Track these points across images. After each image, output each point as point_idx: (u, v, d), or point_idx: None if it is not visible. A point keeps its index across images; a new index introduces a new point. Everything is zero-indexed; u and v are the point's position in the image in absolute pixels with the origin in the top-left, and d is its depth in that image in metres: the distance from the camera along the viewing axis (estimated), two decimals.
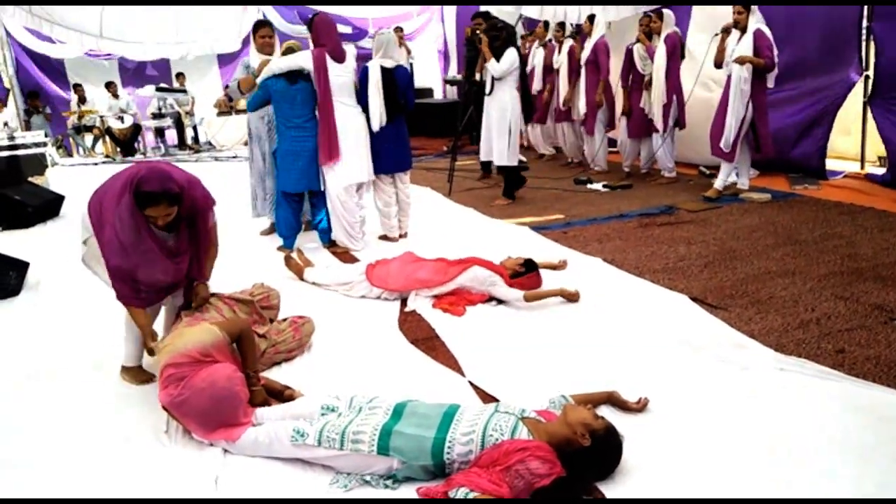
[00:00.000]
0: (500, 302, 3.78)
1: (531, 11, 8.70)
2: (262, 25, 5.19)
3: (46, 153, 9.96)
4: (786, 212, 5.36)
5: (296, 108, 4.64)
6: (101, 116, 10.91)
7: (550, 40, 8.14)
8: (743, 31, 5.55)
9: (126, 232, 2.68)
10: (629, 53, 6.77)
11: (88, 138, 11.44)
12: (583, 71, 7.24)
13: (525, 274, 3.88)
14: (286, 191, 4.81)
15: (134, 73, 13.29)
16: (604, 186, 6.66)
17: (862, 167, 6.65)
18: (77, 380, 3.08)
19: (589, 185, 6.78)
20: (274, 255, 4.73)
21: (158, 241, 2.80)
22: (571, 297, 3.80)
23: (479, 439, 2.15)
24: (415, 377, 2.95)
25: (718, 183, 5.93)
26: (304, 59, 4.57)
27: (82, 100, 11.44)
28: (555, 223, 5.47)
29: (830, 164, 6.68)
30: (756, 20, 5.51)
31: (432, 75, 14.15)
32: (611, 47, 7.13)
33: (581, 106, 7.38)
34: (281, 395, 2.78)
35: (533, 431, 2.19)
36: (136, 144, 11.34)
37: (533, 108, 7.08)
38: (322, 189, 4.81)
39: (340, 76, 4.66)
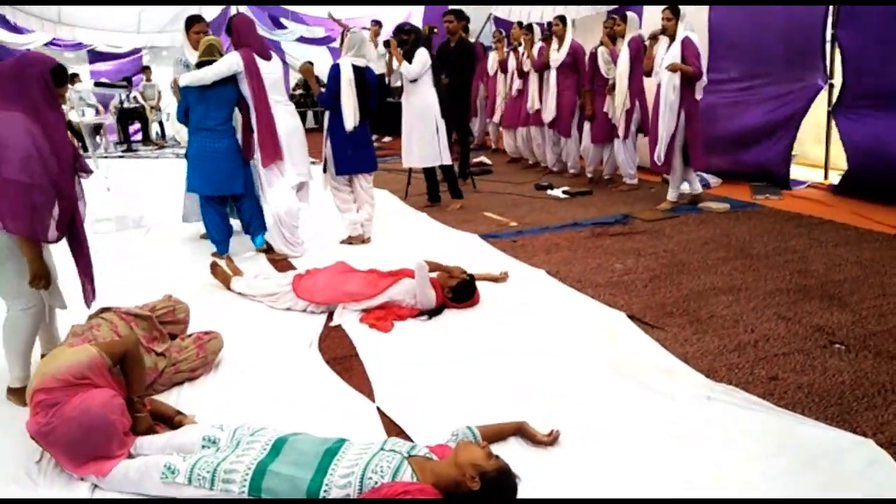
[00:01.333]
0: (430, 316, 3.60)
1: (501, 11, 8.53)
2: (195, 21, 4.97)
3: None
4: (743, 223, 5.22)
5: (210, 111, 4.44)
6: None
7: (519, 44, 7.92)
8: (672, 38, 5.41)
9: (41, 137, 2.54)
10: (593, 56, 6.61)
11: None
12: (553, 73, 7.05)
13: (462, 297, 3.69)
14: (196, 193, 4.64)
15: (103, 63, 13.01)
16: (563, 192, 6.50)
17: (826, 177, 6.53)
18: None
19: (549, 192, 6.62)
20: (206, 262, 4.51)
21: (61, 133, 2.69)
22: (498, 280, 4.09)
23: (358, 482, 1.97)
24: (321, 402, 2.76)
25: (671, 195, 5.79)
26: (234, 63, 4.38)
27: None
28: (506, 231, 5.30)
29: (799, 173, 6.57)
30: (685, 27, 5.36)
31: None
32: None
33: (552, 109, 7.19)
34: (171, 421, 2.59)
35: (418, 472, 2.01)
36: (96, 138, 11.04)
37: (468, 106, 6.94)
38: (243, 192, 4.60)
39: (270, 74, 4.52)
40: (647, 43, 5.72)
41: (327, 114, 4.84)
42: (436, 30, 6.33)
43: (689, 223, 5.28)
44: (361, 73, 4.73)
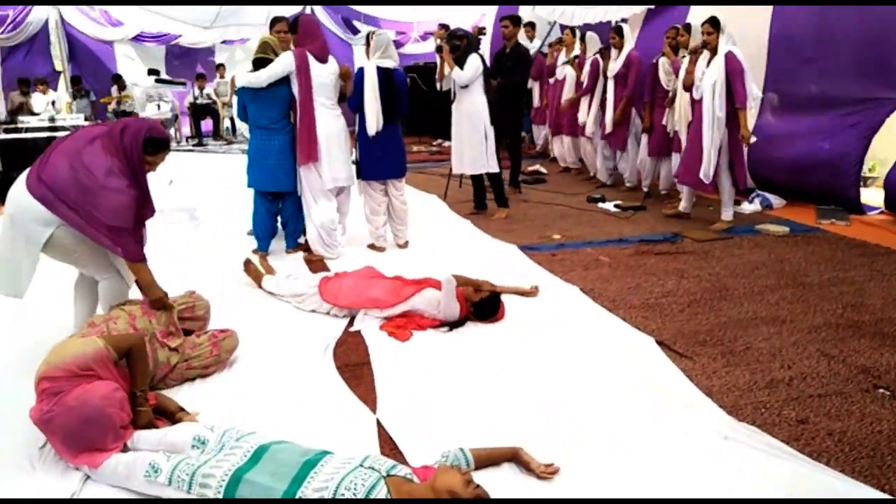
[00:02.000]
0: (451, 328, 3.53)
1: (543, 11, 8.41)
2: (278, 20, 5.02)
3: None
4: (800, 248, 4.91)
5: (264, 111, 4.53)
6: (132, 102, 11.12)
7: (577, 56, 7.71)
8: (713, 52, 5.20)
9: (132, 191, 2.89)
10: (654, 67, 6.38)
11: None
12: (610, 84, 6.85)
13: (484, 315, 3.62)
14: (254, 188, 4.71)
15: (180, 60, 13.52)
16: (615, 206, 6.30)
17: None
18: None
19: (600, 205, 6.42)
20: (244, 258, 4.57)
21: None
22: (527, 294, 3.99)
23: (331, 496, 1.93)
24: (322, 410, 2.74)
25: (725, 214, 5.55)
26: (288, 63, 4.44)
27: (121, 87, 11.65)
28: (547, 244, 5.16)
29: (873, 197, 6.15)
30: (727, 41, 5.15)
31: None
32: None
33: (590, 122, 7.00)
34: (173, 417, 2.62)
35: (394, 492, 1.95)
36: (170, 131, 11.50)
37: (521, 113, 6.85)
38: (292, 191, 4.66)
39: (321, 76, 4.53)
40: (687, 56, 5.53)
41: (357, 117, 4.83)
42: (485, 31, 6.24)
43: (743, 246, 5.01)
44: (389, 76, 4.68)
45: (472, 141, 5.68)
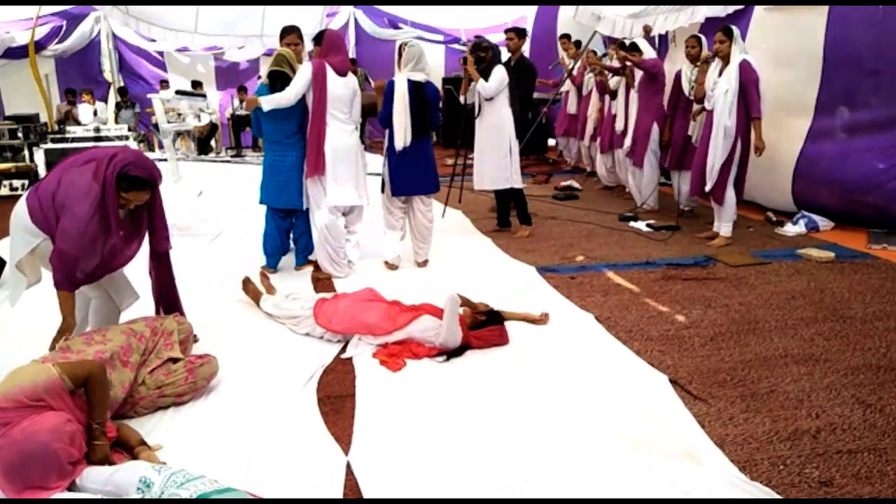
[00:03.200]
0: (449, 357, 3.31)
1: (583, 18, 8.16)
2: (289, 32, 4.82)
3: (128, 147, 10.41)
4: (846, 277, 4.50)
5: (277, 124, 4.43)
6: (180, 114, 11.25)
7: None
8: (725, 61, 5.04)
9: (94, 221, 2.80)
10: (677, 77, 6.03)
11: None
12: (634, 95, 6.54)
13: (486, 325, 3.40)
14: (265, 204, 4.59)
15: (226, 72, 13.71)
16: (647, 226, 5.96)
17: None
18: None
19: (632, 224, 6.10)
20: (253, 275, 4.42)
21: (119, 223, 2.94)
22: (537, 321, 3.74)
23: None
24: (292, 448, 2.54)
25: (724, 230, 5.37)
26: (307, 76, 4.30)
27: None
28: (568, 265, 4.89)
29: None
30: (739, 50, 4.99)
31: None
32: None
33: (629, 135, 6.67)
34: (132, 450, 2.46)
35: None
36: (211, 143, 11.62)
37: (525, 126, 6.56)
38: (303, 208, 4.52)
39: (338, 89, 4.39)
40: (697, 66, 5.37)
41: (387, 132, 4.67)
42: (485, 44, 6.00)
43: (780, 272, 4.63)
44: (421, 89, 4.53)
45: (494, 155, 5.48)
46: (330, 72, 4.36)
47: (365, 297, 3.69)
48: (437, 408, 2.84)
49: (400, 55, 4.65)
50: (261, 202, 4.67)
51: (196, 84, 11.91)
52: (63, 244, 2.80)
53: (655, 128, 6.27)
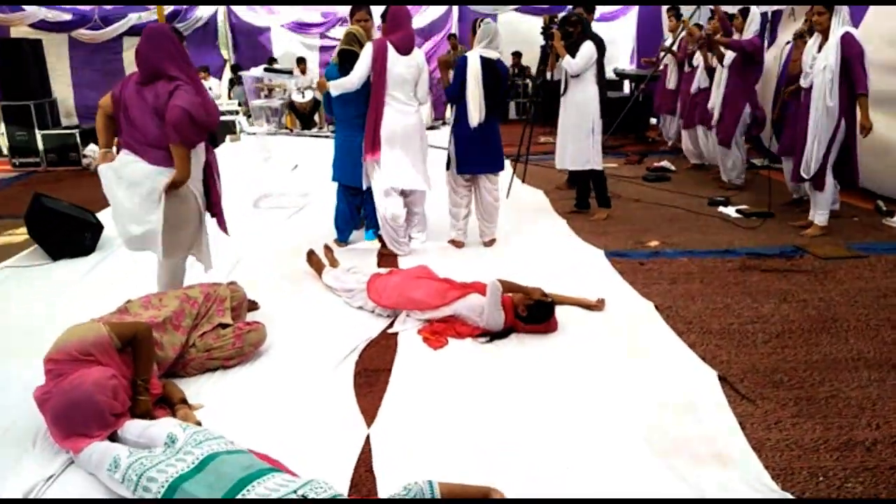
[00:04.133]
0: (493, 338, 3.28)
1: None
2: (358, 8, 4.85)
3: (237, 121, 10.97)
4: None
5: (345, 105, 4.48)
6: (286, 90, 11.69)
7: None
8: (824, 35, 4.56)
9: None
10: (788, 53, 5.58)
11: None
12: (725, 73, 6.11)
13: (531, 320, 3.33)
14: (336, 181, 4.70)
15: (333, 49, 14.06)
16: (737, 212, 5.61)
17: None
18: None
19: (721, 209, 5.76)
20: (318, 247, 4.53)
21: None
22: (592, 307, 3.63)
23: None
24: (318, 417, 2.63)
25: (819, 218, 4.94)
26: (370, 56, 4.31)
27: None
28: (639, 251, 4.70)
29: None
30: (840, 22, 4.47)
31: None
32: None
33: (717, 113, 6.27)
34: (174, 407, 2.63)
35: None
36: (314, 118, 11.99)
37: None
38: (364, 187, 4.59)
39: (399, 69, 4.36)
40: (791, 42, 4.99)
41: (452, 109, 4.64)
42: (556, 20, 5.76)
43: (877, 268, 4.23)
44: (492, 66, 4.46)
45: (577, 134, 5.33)
46: (391, 51, 4.30)
47: (417, 273, 3.72)
48: (469, 390, 2.83)
49: (475, 32, 4.59)
50: (332, 179, 4.78)
51: (301, 60, 12.27)
52: (180, 101, 3.08)
53: (748, 109, 5.86)
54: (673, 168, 7.49)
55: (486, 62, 4.44)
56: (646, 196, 6.32)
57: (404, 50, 4.37)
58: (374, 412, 2.66)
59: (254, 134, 10.93)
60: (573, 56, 5.14)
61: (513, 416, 2.63)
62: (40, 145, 9.44)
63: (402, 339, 3.32)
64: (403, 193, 4.60)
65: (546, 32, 5.75)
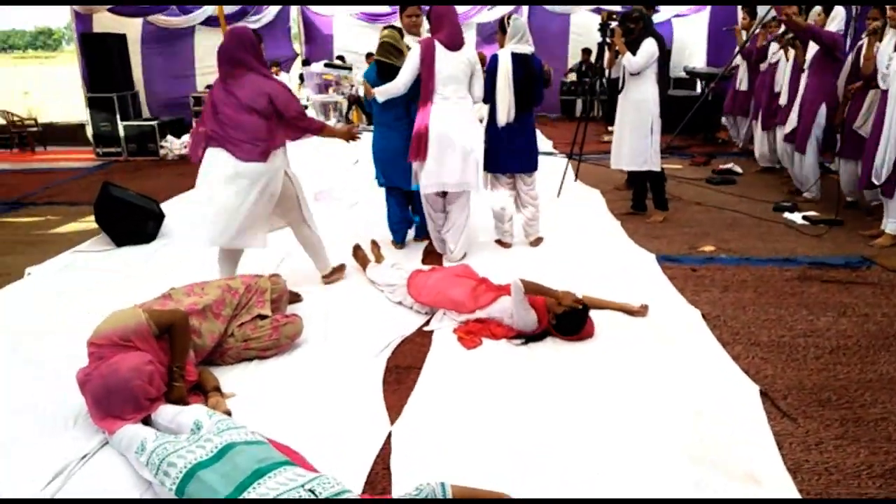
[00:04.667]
0: (527, 341, 3.24)
1: None
2: (409, 3, 4.64)
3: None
4: None
5: (385, 110, 4.37)
6: (328, 85, 11.86)
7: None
8: None
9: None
10: (857, 51, 5.24)
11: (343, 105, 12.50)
12: (803, 74, 5.81)
13: (564, 329, 3.26)
14: (381, 185, 4.70)
15: None
16: (803, 218, 5.34)
17: None
18: None
19: (787, 215, 5.49)
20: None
21: None
22: (635, 313, 3.53)
23: None
24: (343, 412, 2.66)
25: (892, 227, 4.60)
26: (417, 58, 4.16)
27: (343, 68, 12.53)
28: (693, 256, 4.54)
29: None
30: None
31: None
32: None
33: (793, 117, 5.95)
34: (207, 394, 2.72)
35: None
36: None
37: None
38: (409, 188, 4.51)
39: (449, 67, 4.17)
40: (864, 39, 4.66)
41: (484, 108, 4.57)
42: (615, 16, 5.58)
43: None
44: (526, 62, 4.37)
45: (634, 134, 5.19)
46: (440, 49, 4.13)
47: (456, 272, 3.71)
48: (498, 392, 2.80)
49: (503, 30, 4.47)
50: (378, 184, 4.73)
51: (369, 55, 12.41)
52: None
53: (823, 109, 5.56)
54: (740, 171, 7.20)
55: (519, 58, 4.35)
56: (708, 199, 6.09)
57: (453, 46, 4.21)
58: (400, 409, 2.67)
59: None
60: (634, 54, 5.01)
61: (541, 420, 2.59)
62: (122, 135, 9.94)
63: (437, 337, 3.32)
64: (445, 195, 4.46)
65: (604, 29, 5.64)
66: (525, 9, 13.57)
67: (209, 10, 12.55)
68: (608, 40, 5.67)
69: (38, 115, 12.78)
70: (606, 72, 5.70)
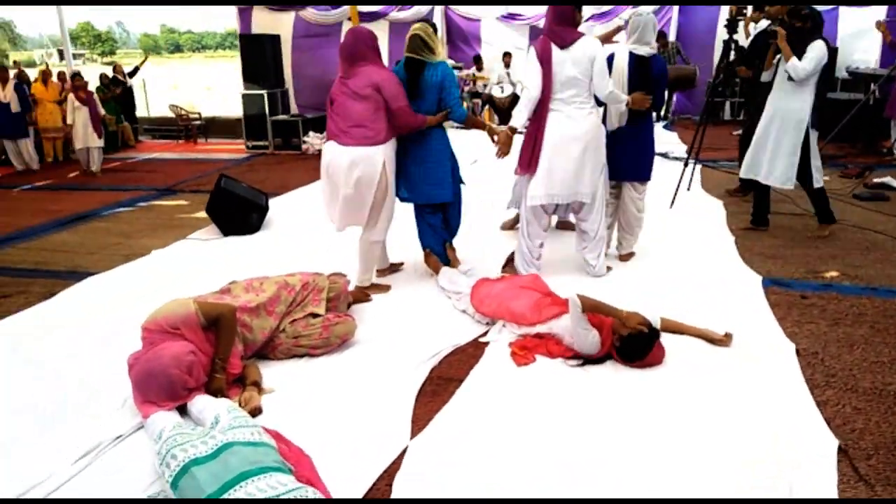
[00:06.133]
0: (584, 363, 3.02)
1: None
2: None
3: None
4: None
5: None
6: (486, 85, 11.85)
7: None
8: None
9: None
10: None
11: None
12: None
13: (629, 355, 3.00)
14: (404, 201, 4.19)
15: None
16: None
17: None
18: None
19: None
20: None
21: None
22: (717, 342, 3.19)
23: None
24: (369, 419, 2.62)
25: None
26: (535, 61, 3.79)
27: (479, 67, 12.54)
28: (808, 280, 4.02)
29: None
30: None
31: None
32: None
33: None
34: (244, 387, 2.80)
35: None
36: (512, 112, 12.00)
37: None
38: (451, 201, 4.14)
39: (564, 68, 3.73)
40: None
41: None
42: (745, 11, 4.99)
43: None
44: (645, 64, 4.06)
45: (779, 146, 4.68)
46: (554, 50, 3.77)
47: (523, 283, 3.55)
48: (536, 417, 2.62)
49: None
50: (401, 199, 4.10)
51: (506, 55, 12.29)
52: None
53: None
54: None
55: (637, 59, 4.06)
56: (850, 216, 5.39)
57: (564, 44, 3.73)
58: (426, 423, 2.59)
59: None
60: (799, 57, 4.47)
61: (573, 451, 2.39)
62: (269, 131, 10.64)
63: (490, 349, 3.19)
64: (570, 208, 4.10)
65: (731, 25, 5.15)
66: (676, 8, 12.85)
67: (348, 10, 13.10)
68: (735, 38, 5.19)
69: (209, 109, 14.06)
70: (763, 74, 5.06)
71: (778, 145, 4.69)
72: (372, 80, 3.58)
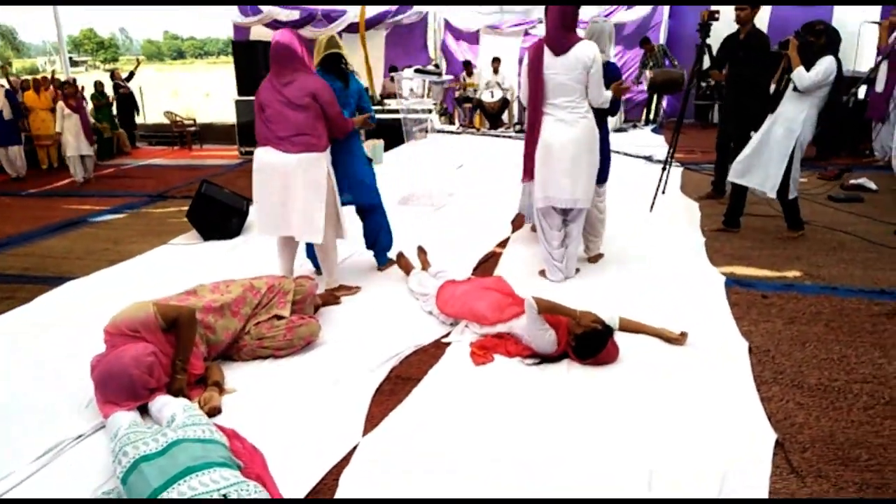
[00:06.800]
0: (541, 362, 3.10)
1: None
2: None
3: (429, 119, 11.47)
4: None
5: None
6: (476, 89, 11.95)
7: None
8: None
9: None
10: None
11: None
12: None
13: (583, 353, 3.07)
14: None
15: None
16: None
17: None
18: None
19: None
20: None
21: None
22: (673, 341, 3.26)
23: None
24: (324, 418, 2.69)
25: None
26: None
27: (469, 73, 12.65)
28: (769, 281, 4.09)
29: None
30: None
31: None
32: None
33: None
34: (207, 388, 2.88)
35: None
36: (503, 117, 12.12)
37: (758, 112, 5.28)
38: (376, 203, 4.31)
39: (555, 72, 3.78)
40: None
41: None
42: (717, 15, 5.08)
43: None
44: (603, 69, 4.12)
45: (773, 154, 4.74)
46: (547, 54, 3.81)
47: (487, 284, 3.63)
48: (488, 415, 2.69)
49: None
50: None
51: (495, 60, 12.39)
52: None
53: None
54: (874, 187, 6.37)
55: None
56: (821, 217, 5.46)
57: (557, 49, 3.76)
58: (379, 421, 2.66)
59: (443, 132, 11.37)
60: (807, 68, 4.54)
61: (525, 448, 2.46)
62: None
63: (451, 350, 3.27)
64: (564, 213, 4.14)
65: (704, 29, 5.23)
66: (665, 10, 12.91)
67: (351, 16, 13.24)
68: (708, 42, 5.27)
69: (207, 115, 14.21)
70: (774, 86, 5.12)
71: (766, 150, 4.77)
72: (308, 89, 3.62)
